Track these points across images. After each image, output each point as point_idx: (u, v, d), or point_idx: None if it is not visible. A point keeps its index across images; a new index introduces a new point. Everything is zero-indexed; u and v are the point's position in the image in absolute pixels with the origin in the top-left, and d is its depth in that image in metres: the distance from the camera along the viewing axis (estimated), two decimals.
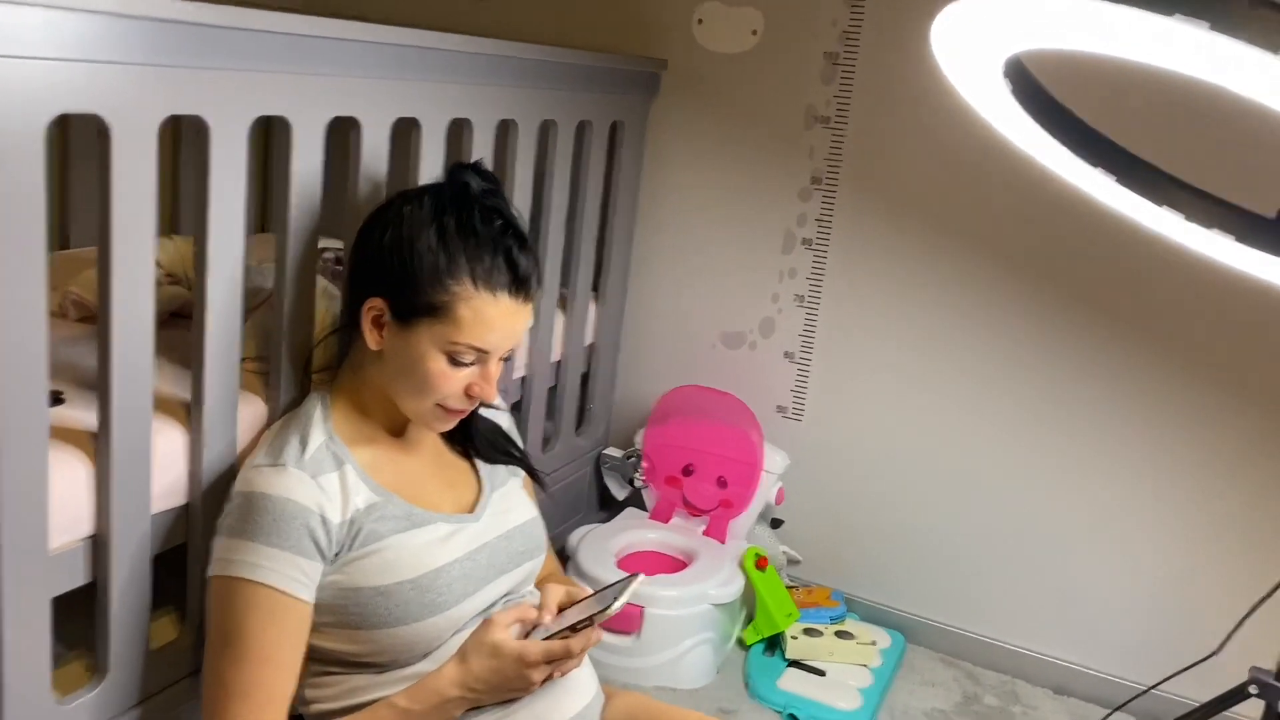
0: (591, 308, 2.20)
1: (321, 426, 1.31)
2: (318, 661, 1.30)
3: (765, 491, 2.17)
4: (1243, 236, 1.03)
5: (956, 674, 2.11)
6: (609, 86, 2.03)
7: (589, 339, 2.21)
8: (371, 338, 1.30)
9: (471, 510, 1.40)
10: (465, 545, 1.35)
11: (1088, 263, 1.96)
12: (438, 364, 1.28)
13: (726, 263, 2.25)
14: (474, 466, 1.46)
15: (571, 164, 1.95)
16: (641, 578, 1.32)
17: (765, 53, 2.13)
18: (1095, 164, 1.11)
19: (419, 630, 1.27)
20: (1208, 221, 1.05)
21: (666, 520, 2.19)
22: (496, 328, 1.28)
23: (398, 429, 1.38)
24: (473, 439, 1.47)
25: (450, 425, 1.37)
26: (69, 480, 1.16)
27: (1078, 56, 0.92)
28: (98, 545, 1.21)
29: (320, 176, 1.37)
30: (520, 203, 1.81)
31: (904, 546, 2.20)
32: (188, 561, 1.34)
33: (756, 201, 2.20)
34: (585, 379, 2.26)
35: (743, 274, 2.24)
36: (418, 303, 1.26)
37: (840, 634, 2.06)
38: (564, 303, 2.09)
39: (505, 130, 1.74)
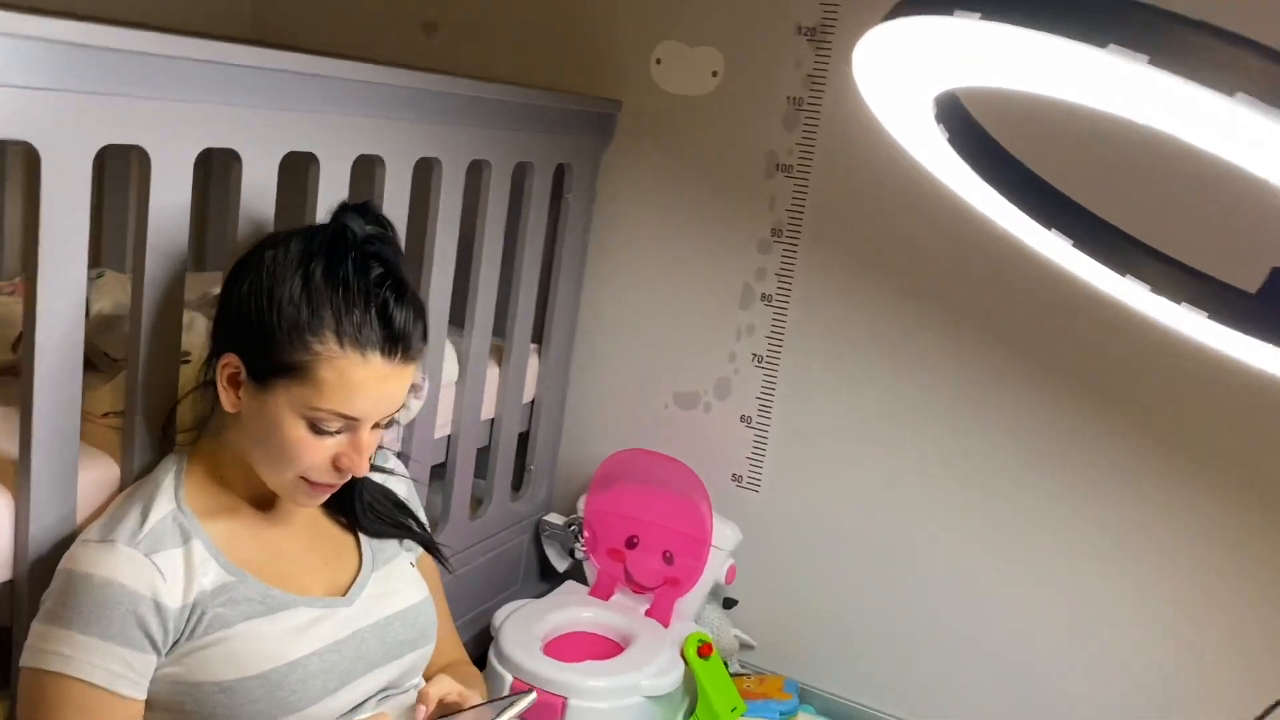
0: (533, 361, 2.04)
1: (170, 495, 1.15)
2: None
3: (715, 569, 1.99)
4: (1217, 313, 0.87)
5: None
6: (554, 127, 1.89)
7: (529, 395, 2.05)
8: (227, 398, 1.14)
9: (345, 593, 1.23)
10: (330, 634, 1.18)
11: (1070, 332, 1.79)
12: (297, 431, 1.11)
13: (681, 317, 2.09)
14: (357, 540, 1.30)
15: (508, 207, 1.80)
16: (533, 697, 1.14)
17: (726, 95, 1.99)
18: (1050, 225, 0.95)
19: None
20: (1177, 295, 0.89)
21: (607, 597, 2.01)
22: (365, 393, 1.12)
23: (264, 500, 1.22)
24: (355, 509, 1.31)
25: (317, 501, 1.21)
26: None
27: (1020, 96, 0.76)
28: None
29: (186, 211, 1.22)
30: (445, 247, 1.66)
31: (867, 635, 2.01)
32: (10, 647, 1.17)
33: (713, 253, 2.04)
34: (525, 437, 2.09)
35: (698, 330, 2.07)
36: (274, 361, 1.10)
37: None
38: (499, 355, 1.93)
39: (427, 169, 1.59)
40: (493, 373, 1.90)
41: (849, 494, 1.99)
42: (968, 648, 1.93)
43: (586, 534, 2.07)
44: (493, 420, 1.94)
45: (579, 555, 2.08)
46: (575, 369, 2.17)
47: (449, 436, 1.82)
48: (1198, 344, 0.97)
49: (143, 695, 1.08)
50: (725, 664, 2.06)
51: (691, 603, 1.99)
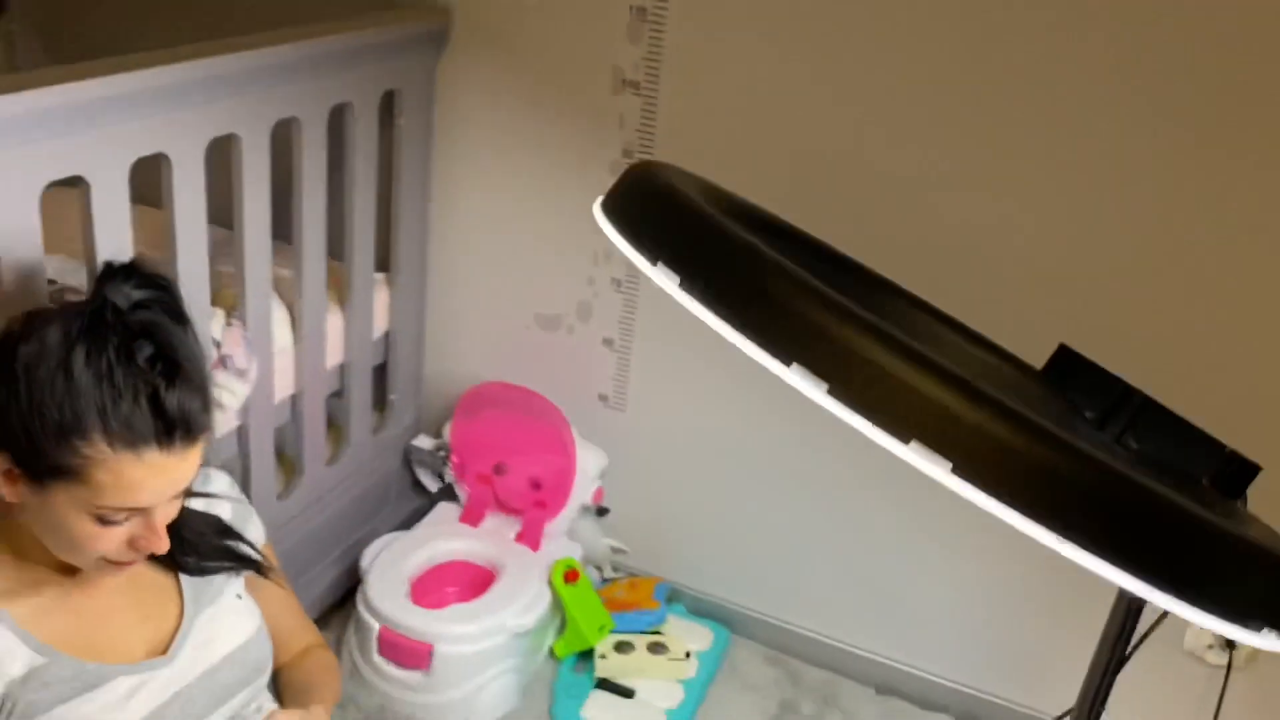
0: (383, 292, 1.96)
1: None
2: None
3: (581, 493, 2.02)
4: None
5: (778, 675, 2.04)
6: (374, 57, 1.73)
7: (382, 327, 1.99)
8: (7, 492, 1.09)
9: (167, 650, 1.23)
10: (154, 699, 1.18)
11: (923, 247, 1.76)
12: (85, 526, 1.07)
13: (536, 241, 2.01)
14: (179, 586, 1.28)
15: (327, 155, 1.68)
16: None
17: (564, 3, 1.83)
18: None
19: None
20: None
21: (477, 522, 2.04)
22: (147, 487, 1.07)
23: (71, 567, 1.19)
24: (174, 553, 1.28)
25: (126, 572, 1.18)
26: None
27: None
28: None
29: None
30: (256, 218, 1.56)
31: (730, 537, 2.08)
32: None
33: (565, 174, 1.94)
34: (383, 369, 2.05)
35: (554, 254, 2.00)
36: (45, 465, 1.04)
37: (654, 646, 1.96)
38: (340, 298, 1.85)
39: (223, 147, 1.47)
40: (335, 318, 1.84)
41: (709, 410, 2.00)
42: (821, 544, 2.00)
43: (455, 459, 2.07)
44: (341, 365, 1.89)
45: (448, 479, 2.09)
46: (432, 295, 2.10)
47: (293, 396, 1.78)
48: None
49: None
50: (599, 569, 2.14)
51: (561, 525, 2.04)
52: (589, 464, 2.01)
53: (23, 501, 1.09)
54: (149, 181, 1.37)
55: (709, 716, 1.92)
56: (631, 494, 2.12)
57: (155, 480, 1.08)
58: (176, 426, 1.07)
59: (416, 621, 1.78)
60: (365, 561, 1.92)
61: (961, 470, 0.53)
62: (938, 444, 0.53)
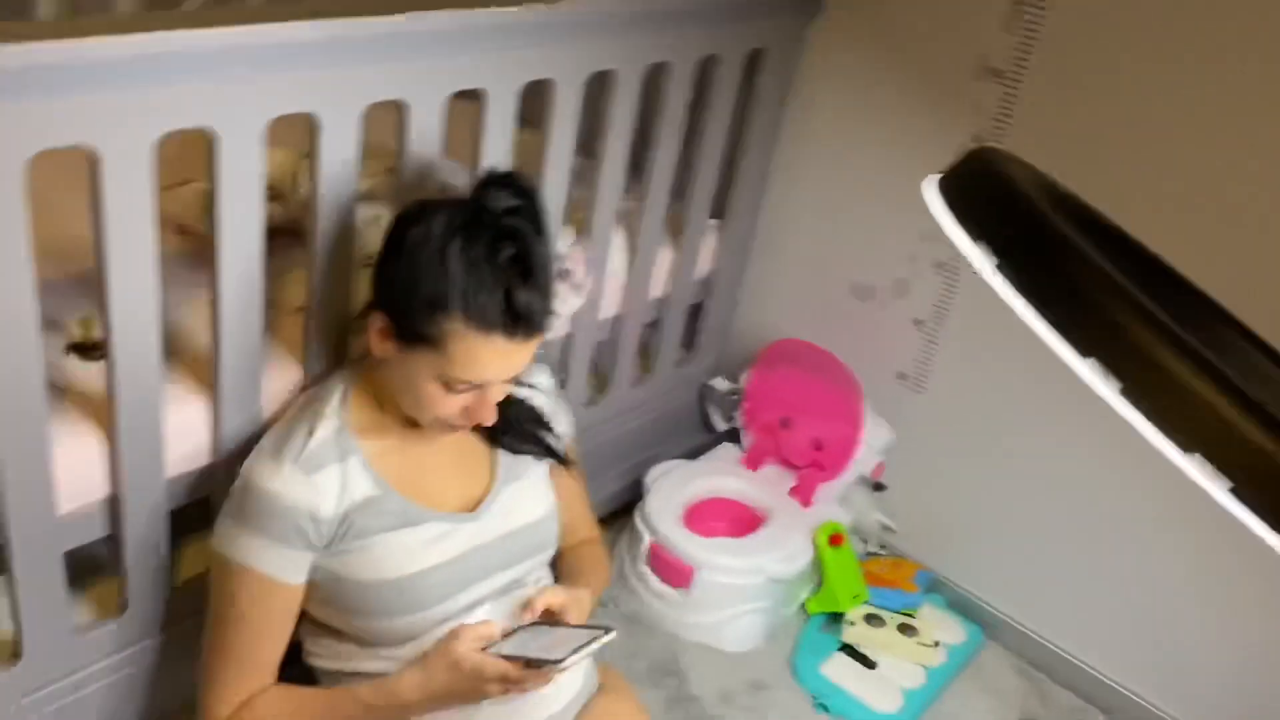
0: (711, 237, 2.07)
1: (334, 416, 1.34)
2: (314, 624, 1.39)
3: (862, 464, 2.06)
4: None
5: (1025, 688, 2.00)
6: (750, 13, 1.82)
7: (705, 271, 2.10)
8: (377, 349, 1.29)
9: (475, 509, 1.41)
10: (456, 548, 1.37)
11: None
12: (432, 388, 1.26)
13: (866, 211, 2.04)
14: (495, 457, 1.46)
15: (691, 103, 1.79)
16: (611, 637, 1.29)
17: None
18: None
19: (397, 625, 1.33)
20: None
21: (756, 467, 2.14)
22: (489, 367, 1.24)
23: (414, 420, 1.39)
24: (497, 429, 1.46)
25: (455, 434, 1.37)
26: (80, 449, 1.25)
27: None
28: (114, 504, 1.31)
29: (352, 164, 1.33)
30: (616, 152, 1.70)
31: (1004, 540, 2.05)
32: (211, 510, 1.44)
33: (908, 151, 1.95)
34: (698, 309, 2.17)
35: (881, 227, 2.03)
36: (413, 331, 1.23)
37: (905, 627, 1.98)
38: (675, 231, 1.97)
39: (600, 81, 1.61)
40: (665, 254, 1.97)
41: (1010, 409, 1.97)
42: (1101, 565, 1.93)
43: (746, 405, 2.17)
44: (662, 298, 2.02)
45: (736, 423, 2.20)
46: (756, 247, 2.19)
47: (616, 317, 1.93)
48: None
49: (302, 580, 1.32)
50: (865, 541, 2.18)
51: (835, 489, 2.09)
52: (875, 438, 2.05)
53: (388, 358, 1.29)
54: (531, 106, 1.54)
55: (945, 709, 1.92)
56: (912, 476, 2.13)
57: (496, 362, 1.24)
58: (521, 321, 1.23)
59: (685, 544, 1.91)
60: (649, 479, 2.06)
61: (1241, 492, 0.54)
62: (1221, 461, 0.54)
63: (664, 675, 1.86)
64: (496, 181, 1.26)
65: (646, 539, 1.94)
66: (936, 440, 2.08)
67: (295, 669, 1.38)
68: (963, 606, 2.11)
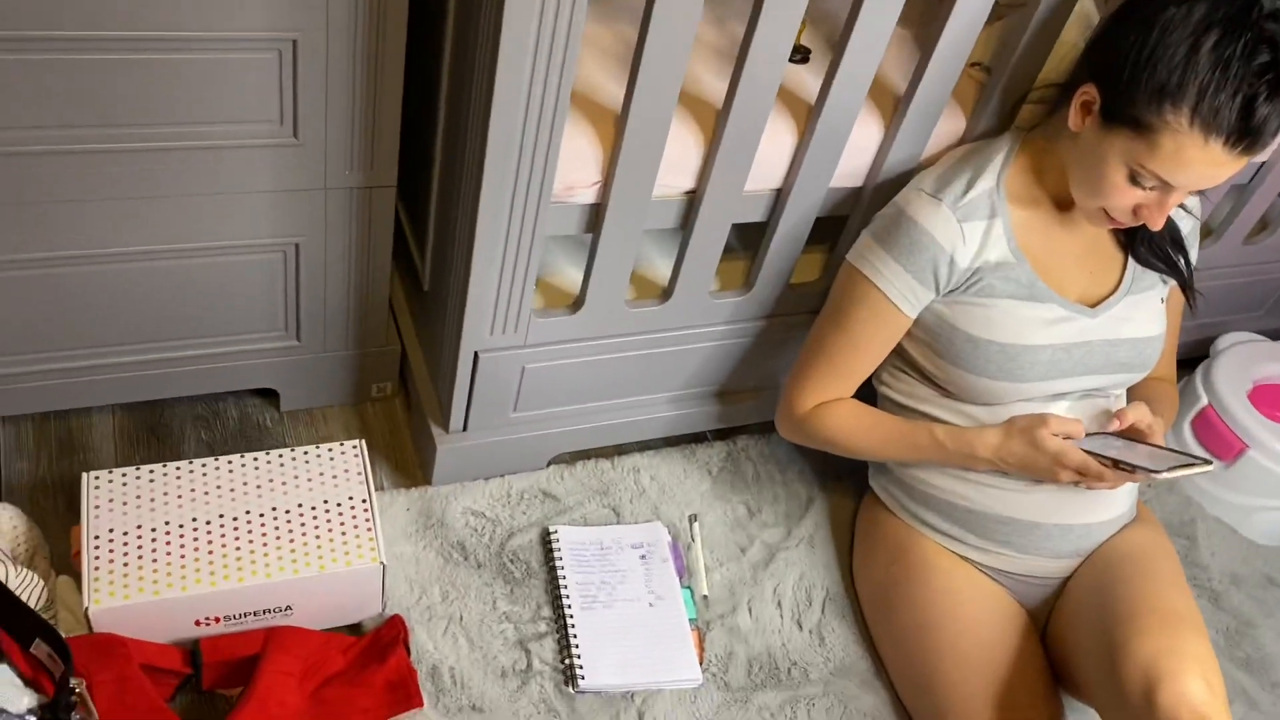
0: None
1: (994, 173, 1.38)
2: (902, 360, 1.50)
3: None
4: None
5: None
6: None
7: None
8: (1074, 119, 1.29)
9: (1095, 305, 1.42)
10: (1067, 336, 1.40)
11: None
12: (1117, 176, 1.26)
13: None
14: (1125, 261, 1.45)
15: None
16: (1210, 468, 1.29)
17: None
18: None
19: (989, 386, 1.40)
20: None
21: None
22: (1193, 172, 1.21)
23: (1064, 202, 1.40)
24: (1135, 237, 1.44)
25: (1109, 228, 1.36)
26: (775, 142, 1.39)
27: None
28: (779, 195, 1.46)
29: None
30: None
31: None
32: (843, 231, 1.55)
33: None
34: None
35: None
36: (1126, 112, 1.22)
37: None
38: None
39: None
40: None
41: None
42: None
43: None
44: None
45: None
46: None
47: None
48: None
49: (914, 315, 1.42)
50: None
51: None
52: None
53: (1081, 133, 1.29)
54: None
55: None
56: None
57: (1202, 170, 1.20)
58: (1249, 134, 1.17)
59: (1245, 418, 1.81)
60: (1220, 344, 1.95)
61: None
62: None
63: (1174, 535, 1.82)
64: None
65: (1203, 400, 1.86)
66: None
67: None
68: None
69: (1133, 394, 1.56)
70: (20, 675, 1.12)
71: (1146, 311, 1.44)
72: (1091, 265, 1.43)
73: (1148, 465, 1.28)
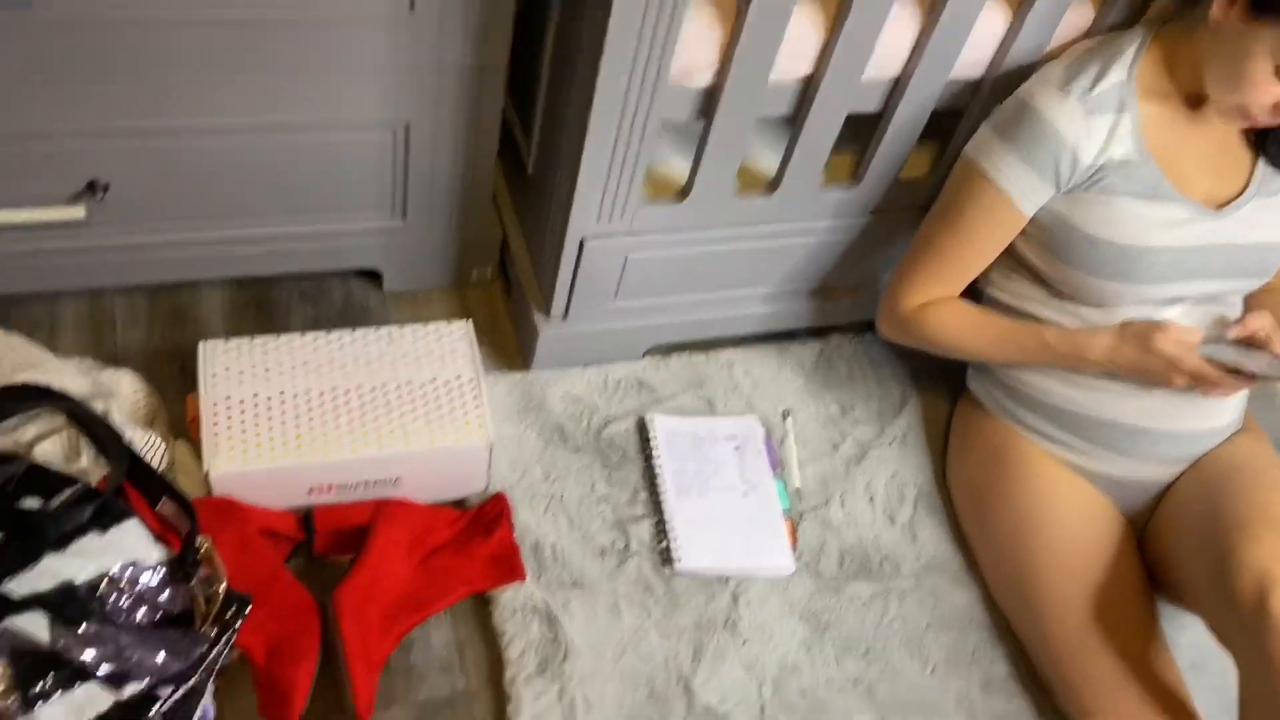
0: None
1: (1125, 66, 1.33)
2: (1013, 259, 1.47)
3: None
4: None
5: None
6: None
7: None
8: (1218, 8, 1.24)
9: (1220, 207, 1.37)
10: (1190, 239, 1.36)
11: None
12: (1260, 70, 1.21)
13: None
14: (1255, 163, 1.40)
15: None
16: None
17: None
18: None
19: (1105, 287, 1.37)
20: None
21: None
22: None
23: (1196, 99, 1.35)
24: (1268, 139, 1.39)
25: (1243, 125, 1.31)
26: (894, 30, 1.35)
27: None
28: (896, 85, 1.42)
29: None
30: None
31: None
32: (958, 125, 1.51)
33: None
34: None
35: None
36: (1277, 2, 1.16)
37: None
38: None
39: None
40: None
41: None
42: None
43: None
44: None
45: None
46: None
47: None
48: None
49: (1031, 213, 1.38)
50: None
51: None
52: None
53: (1225, 25, 1.23)
54: None
55: None
56: None
57: None
58: None
59: None
60: None
61: None
62: None
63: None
64: None
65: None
66: None
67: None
68: None
69: (1250, 302, 1.52)
70: (150, 531, 1.17)
71: (1275, 215, 1.40)
72: (1220, 166, 1.38)
73: (1269, 372, 1.25)
